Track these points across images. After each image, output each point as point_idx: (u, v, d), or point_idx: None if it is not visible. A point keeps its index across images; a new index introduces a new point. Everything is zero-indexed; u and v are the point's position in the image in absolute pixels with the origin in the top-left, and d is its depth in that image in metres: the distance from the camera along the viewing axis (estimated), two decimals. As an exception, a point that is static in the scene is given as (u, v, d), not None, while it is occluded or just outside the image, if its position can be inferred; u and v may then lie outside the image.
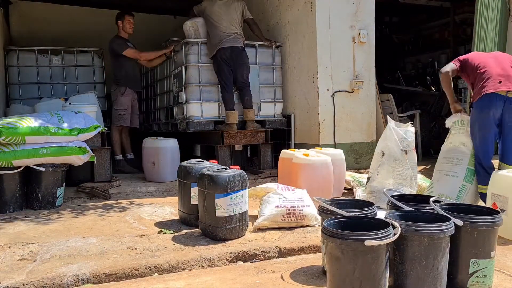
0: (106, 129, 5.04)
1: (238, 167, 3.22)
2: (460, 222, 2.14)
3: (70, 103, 4.97)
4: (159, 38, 6.64)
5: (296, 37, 5.71)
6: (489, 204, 3.22)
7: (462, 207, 2.41)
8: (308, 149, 4.36)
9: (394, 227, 1.98)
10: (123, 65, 5.75)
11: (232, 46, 5.34)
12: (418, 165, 3.78)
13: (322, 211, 2.43)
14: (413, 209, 2.34)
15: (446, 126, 3.90)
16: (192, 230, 3.24)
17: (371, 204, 2.52)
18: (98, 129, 4.42)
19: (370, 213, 2.41)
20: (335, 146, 5.17)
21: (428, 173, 5.21)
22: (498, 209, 2.64)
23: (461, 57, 3.82)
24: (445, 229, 2.03)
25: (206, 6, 5.47)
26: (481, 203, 3.50)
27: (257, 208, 3.49)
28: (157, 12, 8.56)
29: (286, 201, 3.25)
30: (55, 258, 2.70)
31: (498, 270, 2.52)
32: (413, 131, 3.51)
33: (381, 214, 2.69)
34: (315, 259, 2.72)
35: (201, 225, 3.10)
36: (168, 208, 3.87)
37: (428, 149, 6.71)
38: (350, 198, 4.12)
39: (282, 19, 6.01)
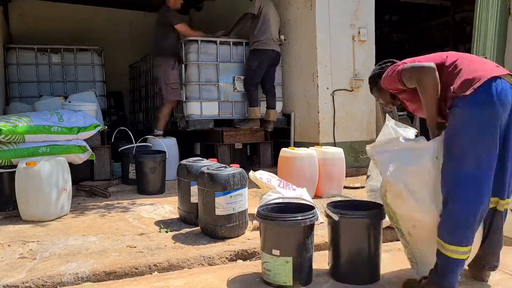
0: (106, 127, 5.03)
1: (238, 165, 3.23)
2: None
3: (69, 102, 4.98)
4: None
5: (296, 35, 5.71)
6: None
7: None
8: (308, 147, 4.37)
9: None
10: (171, 36, 5.53)
11: (278, 51, 5.51)
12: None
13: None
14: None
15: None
16: (192, 228, 3.24)
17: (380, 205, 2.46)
18: (98, 128, 4.43)
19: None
20: (334, 144, 5.17)
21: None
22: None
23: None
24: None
25: (263, 3, 5.44)
26: None
27: (256, 206, 3.48)
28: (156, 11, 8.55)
29: (285, 200, 3.24)
30: (54, 256, 2.70)
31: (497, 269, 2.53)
32: (414, 132, 3.47)
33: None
34: (315, 258, 2.72)
35: (201, 224, 3.10)
36: (168, 206, 3.88)
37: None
38: (350, 199, 4.13)
39: (282, 17, 6.00)
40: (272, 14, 5.51)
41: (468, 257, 2.11)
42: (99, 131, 4.51)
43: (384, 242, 3.09)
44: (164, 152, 4.62)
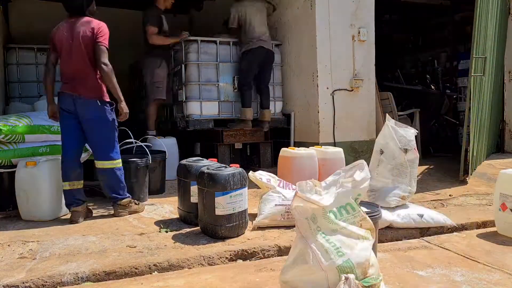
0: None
1: (238, 165, 3.23)
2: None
3: (69, 102, 4.95)
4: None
5: (296, 35, 5.70)
6: (497, 205, 3.17)
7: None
8: (308, 147, 4.37)
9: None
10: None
11: (267, 48, 5.46)
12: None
13: None
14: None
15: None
16: (192, 228, 3.24)
17: (376, 205, 2.50)
18: (98, 128, 4.41)
19: (375, 214, 2.40)
20: (334, 144, 5.16)
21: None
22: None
23: None
24: None
25: (240, 11, 5.45)
26: None
27: (256, 206, 3.49)
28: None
29: (285, 200, 3.25)
30: (54, 256, 2.70)
31: (497, 269, 2.53)
32: (414, 132, 3.47)
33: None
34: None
35: (201, 224, 3.10)
36: (168, 206, 3.88)
37: (428, 147, 6.74)
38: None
39: (282, 17, 6.01)
40: (255, 14, 5.45)
41: (67, 188, 3.50)
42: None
43: (384, 242, 3.10)
44: (164, 152, 4.62)
